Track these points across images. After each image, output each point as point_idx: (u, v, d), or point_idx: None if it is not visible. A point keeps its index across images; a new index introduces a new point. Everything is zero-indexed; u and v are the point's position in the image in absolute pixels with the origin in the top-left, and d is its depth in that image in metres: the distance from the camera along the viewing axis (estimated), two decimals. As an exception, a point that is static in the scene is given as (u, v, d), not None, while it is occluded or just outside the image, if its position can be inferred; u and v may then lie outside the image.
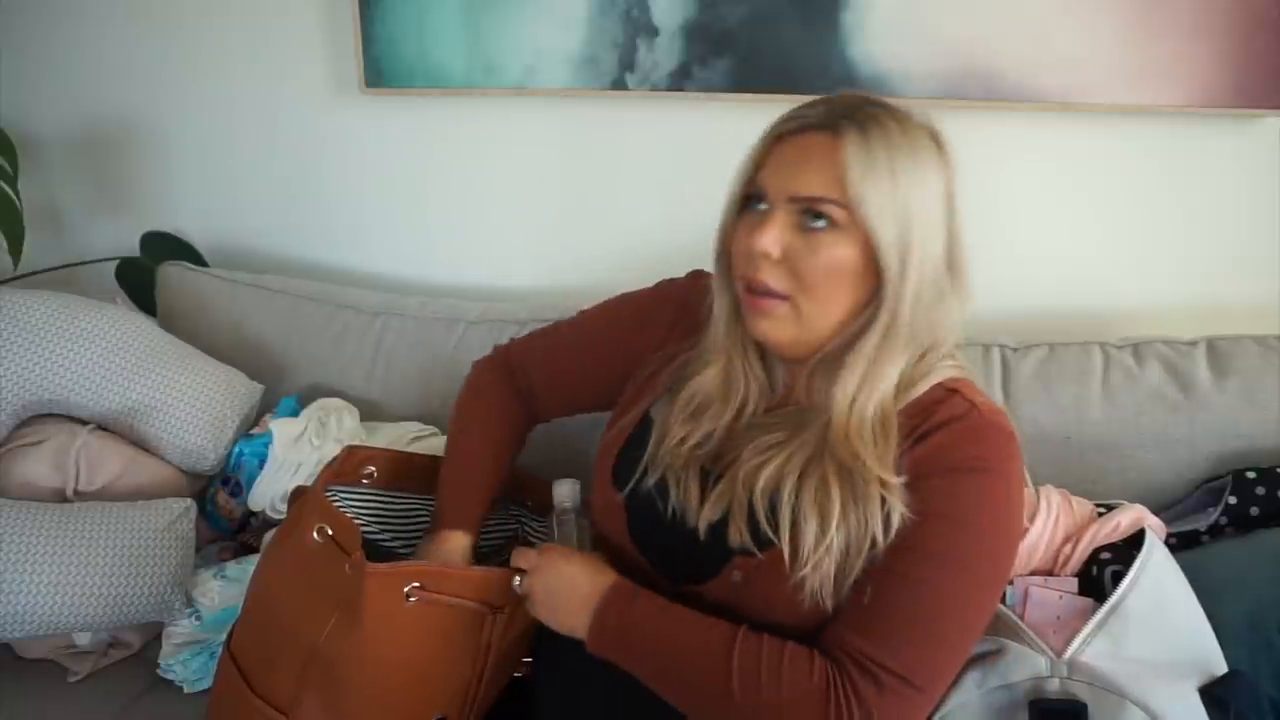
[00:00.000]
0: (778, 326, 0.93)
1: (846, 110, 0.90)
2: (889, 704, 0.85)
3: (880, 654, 0.85)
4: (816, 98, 0.94)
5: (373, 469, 1.13)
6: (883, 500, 0.87)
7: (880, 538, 0.87)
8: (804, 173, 0.89)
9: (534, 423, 1.22)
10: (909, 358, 0.93)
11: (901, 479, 0.88)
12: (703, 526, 0.94)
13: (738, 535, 0.92)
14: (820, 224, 0.89)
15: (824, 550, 0.87)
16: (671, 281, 1.14)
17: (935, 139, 0.93)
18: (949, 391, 0.93)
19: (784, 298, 0.91)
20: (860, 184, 0.87)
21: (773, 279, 0.91)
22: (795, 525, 0.89)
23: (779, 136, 0.93)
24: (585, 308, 1.22)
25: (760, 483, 0.92)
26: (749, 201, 0.94)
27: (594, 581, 0.96)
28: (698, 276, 1.11)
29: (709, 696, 0.88)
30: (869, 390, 0.91)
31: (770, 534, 0.90)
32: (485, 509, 1.12)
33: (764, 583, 0.91)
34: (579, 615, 0.94)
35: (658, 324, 1.10)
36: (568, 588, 0.96)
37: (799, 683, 0.85)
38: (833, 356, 0.94)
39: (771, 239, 0.89)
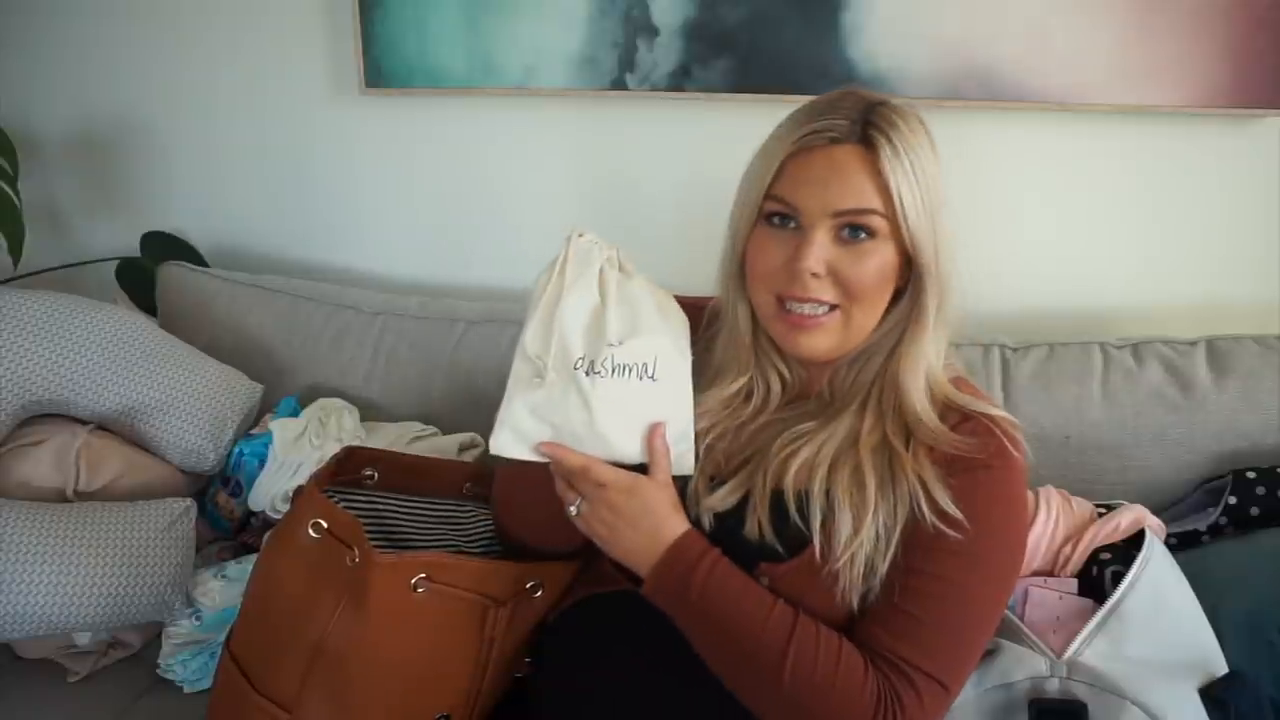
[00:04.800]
0: (822, 339, 0.93)
1: (864, 117, 0.90)
2: (927, 709, 0.87)
3: (917, 658, 0.87)
4: (820, 101, 0.93)
5: (374, 471, 1.13)
6: (921, 481, 0.89)
7: (926, 512, 0.88)
8: (844, 187, 0.89)
9: None
10: (946, 337, 0.96)
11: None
12: (706, 517, 0.94)
13: (755, 528, 0.92)
14: (862, 236, 0.90)
15: (859, 542, 0.88)
16: None
17: (921, 120, 0.94)
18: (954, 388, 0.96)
19: (834, 307, 0.92)
20: (901, 191, 0.88)
21: (822, 293, 0.91)
22: (827, 517, 0.90)
23: (803, 150, 0.91)
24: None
25: (790, 474, 0.93)
26: (771, 216, 0.93)
27: (669, 522, 0.91)
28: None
29: (757, 675, 0.88)
30: (931, 370, 0.95)
31: (801, 525, 0.91)
32: None
33: (792, 589, 0.91)
34: (644, 553, 0.90)
35: None
36: (640, 515, 0.90)
37: (851, 684, 0.86)
38: (861, 347, 0.96)
39: (815, 258, 0.89)
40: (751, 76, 1.52)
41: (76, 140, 1.93)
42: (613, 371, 0.88)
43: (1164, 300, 1.51)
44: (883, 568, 0.89)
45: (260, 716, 0.99)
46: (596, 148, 1.68)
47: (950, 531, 0.88)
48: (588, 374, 0.88)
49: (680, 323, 0.97)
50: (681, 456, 0.93)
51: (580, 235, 0.94)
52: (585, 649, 0.99)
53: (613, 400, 0.89)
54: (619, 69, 1.58)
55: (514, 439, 0.90)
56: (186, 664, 1.32)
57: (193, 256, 1.85)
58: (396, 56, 1.66)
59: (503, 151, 1.72)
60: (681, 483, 0.95)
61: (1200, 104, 1.39)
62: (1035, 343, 1.42)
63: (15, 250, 1.67)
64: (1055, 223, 1.52)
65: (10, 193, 1.69)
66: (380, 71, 1.67)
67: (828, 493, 0.91)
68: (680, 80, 1.55)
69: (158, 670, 1.32)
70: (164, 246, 1.85)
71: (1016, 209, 1.52)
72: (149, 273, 1.78)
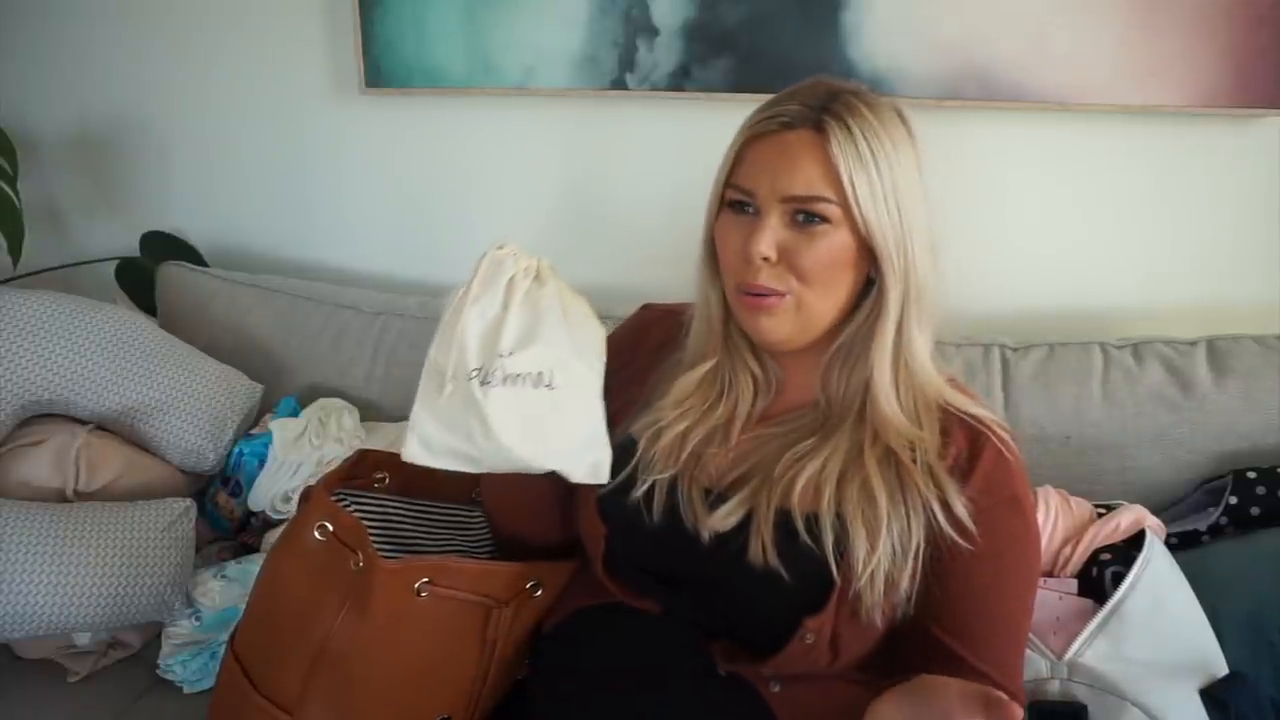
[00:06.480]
0: (777, 323, 0.92)
1: (822, 103, 0.89)
2: None
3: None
4: (782, 93, 0.93)
5: (385, 475, 1.13)
6: (934, 488, 0.88)
7: (943, 522, 0.87)
8: (794, 172, 0.88)
9: None
10: (931, 334, 0.94)
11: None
12: (706, 535, 0.92)
13: (759, 551, 0.90)
14: (815, 220, 0.89)
15: (876, 559, 0.87)
16: (624, 324, 1.14)
17: (900, 114, 0.93)
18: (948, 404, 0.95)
19: (784, 294, 0.91)
20: (853, 177, 0.87)
21: (771, 280, 0.90)
22: (840, 537, 0.88)
23: (757, 135, 0.91)
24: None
25: (796, 494, 0.91)
26: (733, 203, 0.93)
27: None
28: (648, 309, 1.13)
29: None
30: (907, 368, 0.92)
31: (811, 546, 0.89)
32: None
33: (835, 629, 0.90)
34: None
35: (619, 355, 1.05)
36: None
37: None
38: (846, 347, 0.95)
39: (767, 243, 0.89)
40: (751, 76, 1.51)
41: (76, 140, 1.93)
42: (504, 381, 0.88)
43: (1165, 300, 1.51)
44: (904, 583, 0.87)
45: (261, 717, 0.99)
46: (596, 148, 1.68)
47: (965, 542, 0.87)
48: (481, 384, 0.88)
49: (591, 332, 0.95)
50: (597, 464, 0.92)
51: (500, 248, 0.93)
52: (579, 660, 0.99)
53: (506, 410, 0.87)
54: (619, 69, 1.58)
55: (421, 447, 0.91)
56: (186, 664, 1.31)
57: (192, 256, 1.85)
58: (396, 56, 1.66)
59: (502, 151, 1.72)
60: (673, 494, 0.94)
61: (1202, 104, 1.39)
62: (1035, 343, 1.42)
63: (15, 250, 1.67)
64: (1055, 222, 1.52)
65: (10, 193, 1.69)
66: (380, 71, 1.67)
67: (838, 512, 0.89)
68: (680, 80, 1.55)
69: (157, 670, 1.32)
70: (163, 246, 1.85)
71: (1016, 209, 1.52)
72: (149, 273, 1.78)
